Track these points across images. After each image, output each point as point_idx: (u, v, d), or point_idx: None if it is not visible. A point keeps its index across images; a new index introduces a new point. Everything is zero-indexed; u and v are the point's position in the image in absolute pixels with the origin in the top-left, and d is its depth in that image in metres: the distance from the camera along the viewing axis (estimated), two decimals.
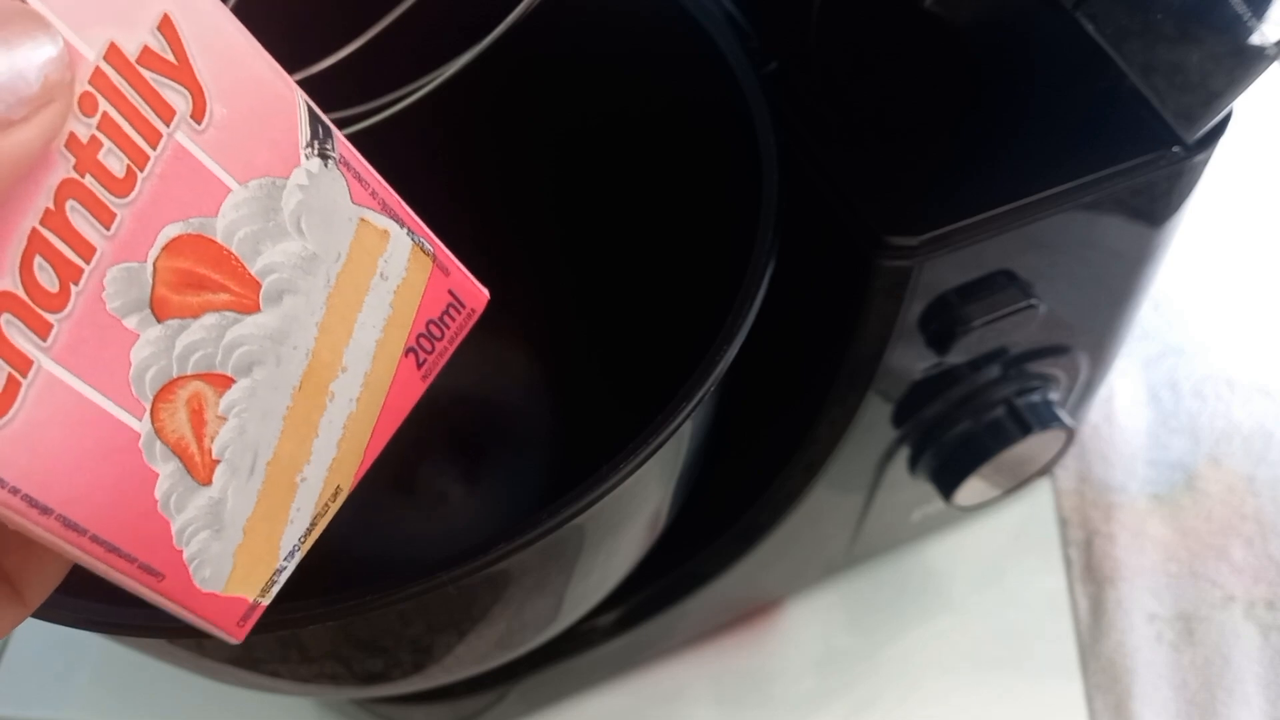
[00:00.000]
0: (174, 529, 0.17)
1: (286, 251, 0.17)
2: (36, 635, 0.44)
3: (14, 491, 0.14)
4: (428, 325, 0.20)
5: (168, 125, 0.15)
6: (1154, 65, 0.27)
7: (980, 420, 0.34)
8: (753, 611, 0.44)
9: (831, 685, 0.42)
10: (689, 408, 0.22)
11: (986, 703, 0.42)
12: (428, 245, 0.20)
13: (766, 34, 0.31)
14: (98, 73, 0.14)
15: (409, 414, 0.21)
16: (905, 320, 0.29)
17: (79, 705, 0.43)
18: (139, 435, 0.16)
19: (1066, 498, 0.47)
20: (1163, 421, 0.49)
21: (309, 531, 0.20)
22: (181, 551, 0.17)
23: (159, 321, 0.16)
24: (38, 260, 0.14)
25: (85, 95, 0.14)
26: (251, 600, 0.19)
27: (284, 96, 0.17)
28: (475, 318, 0.21)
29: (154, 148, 0.15)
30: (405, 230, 0.19)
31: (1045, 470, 0.38)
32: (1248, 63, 0.26)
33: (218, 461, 0.17)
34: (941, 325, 0.30)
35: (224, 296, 0.17)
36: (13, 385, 0.14)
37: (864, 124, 0.29)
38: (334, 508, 0.20)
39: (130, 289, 0.15)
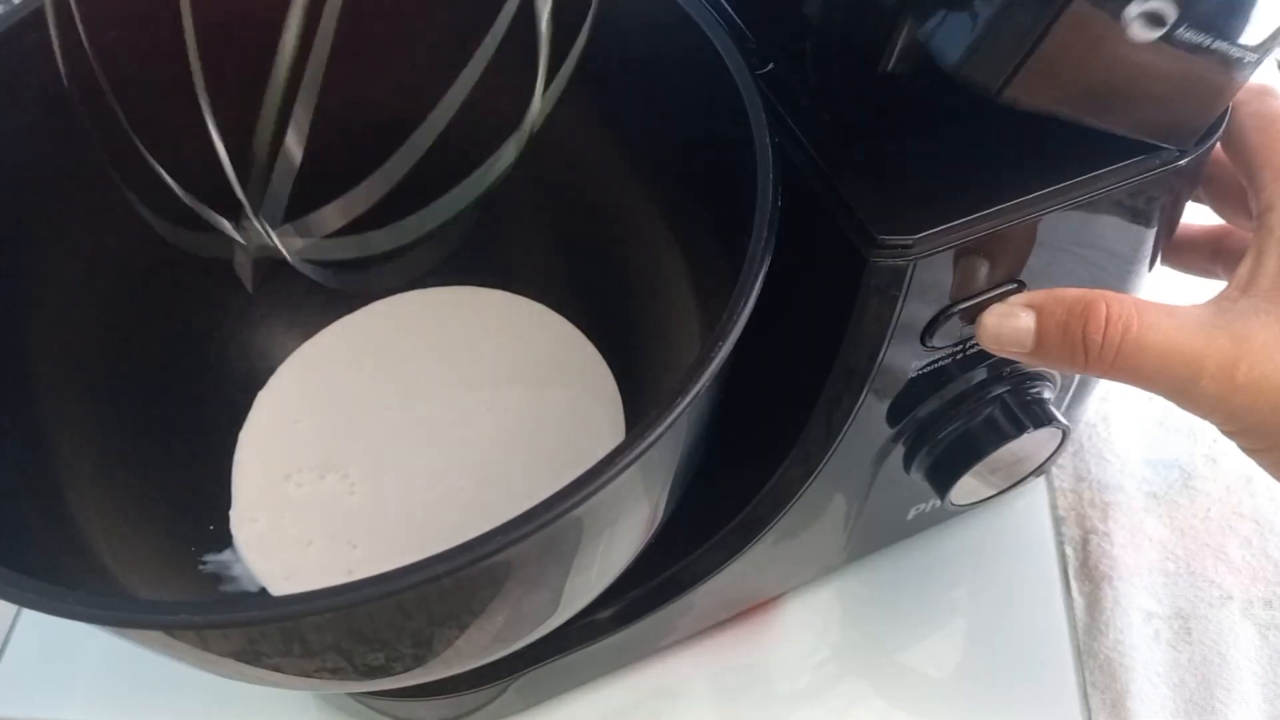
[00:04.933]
0: None
1: None
2: (36, 635, 0.44)
3: None
4: None
5: None
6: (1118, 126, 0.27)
7: (975, 419, 0.35)
8: (750, 608, 0.44)
9: (828, 681, 0.43)
10: (684, 403, 0.22)
11: (983, 700, 0.42)
12: None
13: (763, 35, 0.32)
14: None
15: None
16: (900, 318, 0.29)
17: (79, 705, 0.43)
18: None
19: (1063, 496, 0.47)
20: (1160, 420, 0.49)
21: None
22: None
23: None
24: None
25: None
26: None
27: None
28: None
29: None
30: None
31: (1041, 470, 0.38)
32: (1229, 74, 0.26)
33: None
34: (936, 324, 0.30)
35: None
36: None
37: (860, 123, 0.29)
38: None
39: None
